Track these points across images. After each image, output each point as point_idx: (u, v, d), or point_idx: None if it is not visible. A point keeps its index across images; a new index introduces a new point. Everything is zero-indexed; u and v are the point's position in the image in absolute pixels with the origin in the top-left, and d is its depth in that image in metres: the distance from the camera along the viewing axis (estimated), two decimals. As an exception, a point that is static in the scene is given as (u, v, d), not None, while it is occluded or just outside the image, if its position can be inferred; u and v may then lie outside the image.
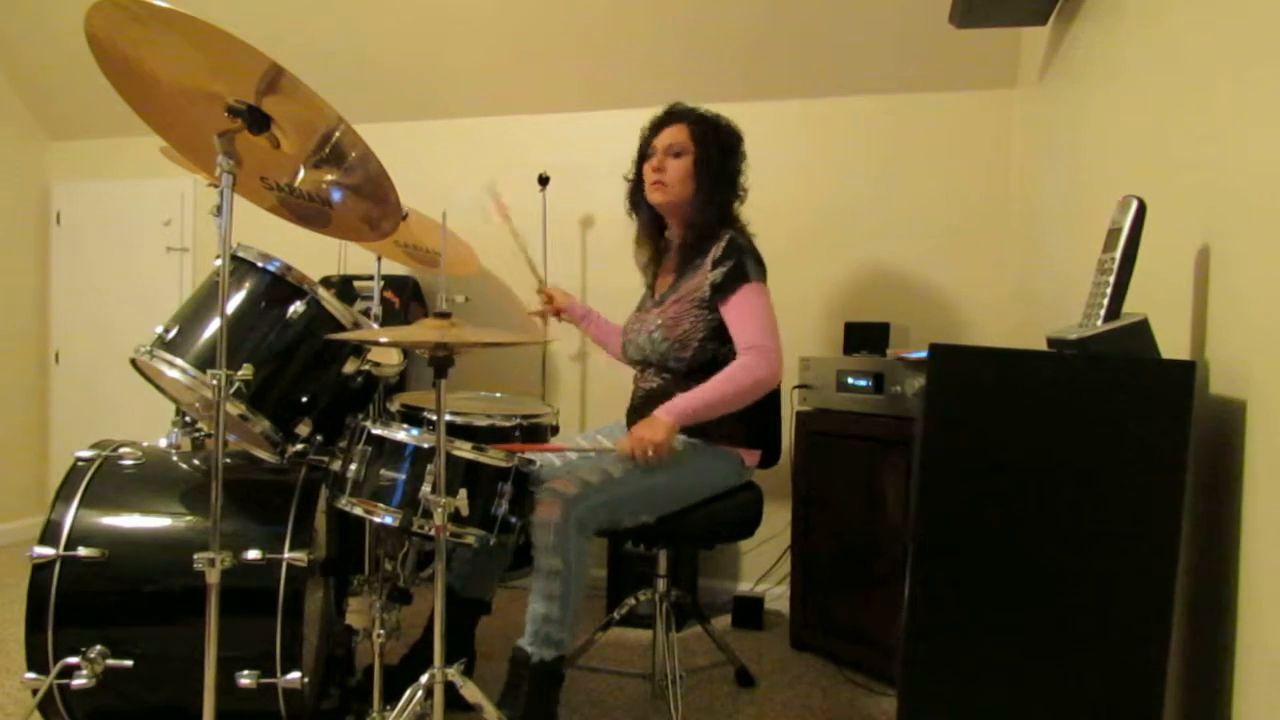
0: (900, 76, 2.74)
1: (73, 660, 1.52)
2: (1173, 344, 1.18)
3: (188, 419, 1.92)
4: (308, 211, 1.64)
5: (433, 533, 1.48)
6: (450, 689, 1.49)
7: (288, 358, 1.64)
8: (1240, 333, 0.99)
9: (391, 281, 2.95)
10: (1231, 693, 0.96)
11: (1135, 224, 1.04)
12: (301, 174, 1.52)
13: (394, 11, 2.90)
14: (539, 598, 1.65)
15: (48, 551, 1.55)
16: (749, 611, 2.66)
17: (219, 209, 1.37)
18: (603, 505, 1.68)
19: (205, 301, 1.66)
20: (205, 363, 1.57)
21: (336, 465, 1.64)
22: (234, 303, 1.62)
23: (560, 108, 3.08)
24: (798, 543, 2.41)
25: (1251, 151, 0.97)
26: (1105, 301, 1.05)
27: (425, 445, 1.59)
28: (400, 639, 1.77)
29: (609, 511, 1.70)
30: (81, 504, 1.61)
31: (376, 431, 1.61)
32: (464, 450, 1.60)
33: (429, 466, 1.56)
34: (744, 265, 1.80)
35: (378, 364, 1.78)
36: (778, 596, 2.77)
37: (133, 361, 1.67)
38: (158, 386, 1.77)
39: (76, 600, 1.55)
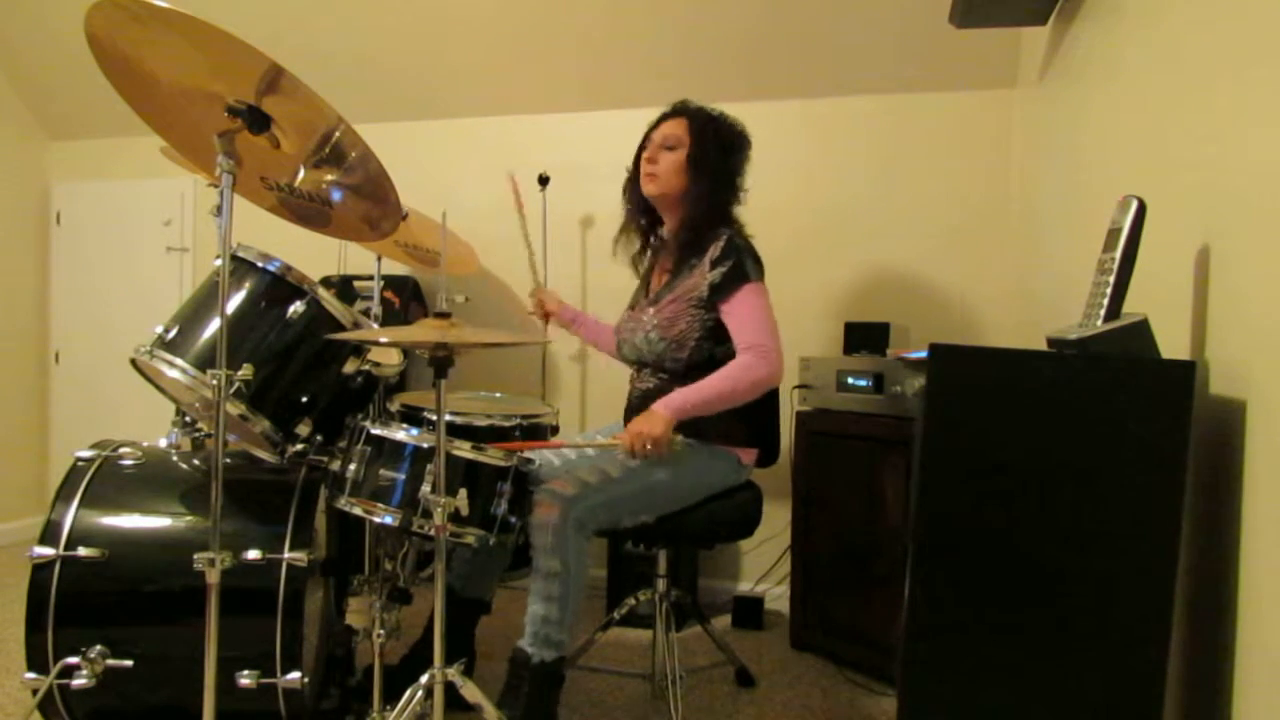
0: (900, 76, 2.74)
1: (73, 660, 1.52)
2: (1173, 344, 1.18)
3: (188, 419, 1.92)
4: (308, 211, 1.64)
5: (432, 533, 1.48)
6: (450, 689, 1.49)
7: (288, 358, 1.64)
8: (1240, 333, 0.99)
9: (391, 281, 2.95)
10: (1231, 693, 0.96)
11: (1135, 224, 1.04)
12: (301, 174, 1.52)
13: (394, 11, 2.90)
14: (538, 599, 1.65)
15: (48, 551, 1.56)
16: (749, 611, 2.66)
17: (219, 209, 1.37)
18: (601, 505, 1.68)
19: (205, 301, 1.66)
20: (205, 363, 1.56)
21: (336, 465, 1.64)
22: (234, 303, 1.62)
23: (560, 108, 3.08)
24: (798, 543, 2.41)
25: (1251, 151, 0.97)
26: (1105, 301, 1.05)
27: (425, 445, 1.59)
28: (400, 639, 1.77)
29: (608, 511, 1.70)
30: (81, 504, 1.61)
31: (376, 431, 1.61)
32: (464, 450, 1.60)
33: (429, 466, 1.56)
34: (743, 265, 1.80)
35: (378, 364, 1.78)
36: (778, 596, 2.77)
37: (133, 361, 1.67)
38: (158, 386, 1.77)
39: (76, 600, 1.55)
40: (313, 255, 2.77)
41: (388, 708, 1.56)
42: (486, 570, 2.02)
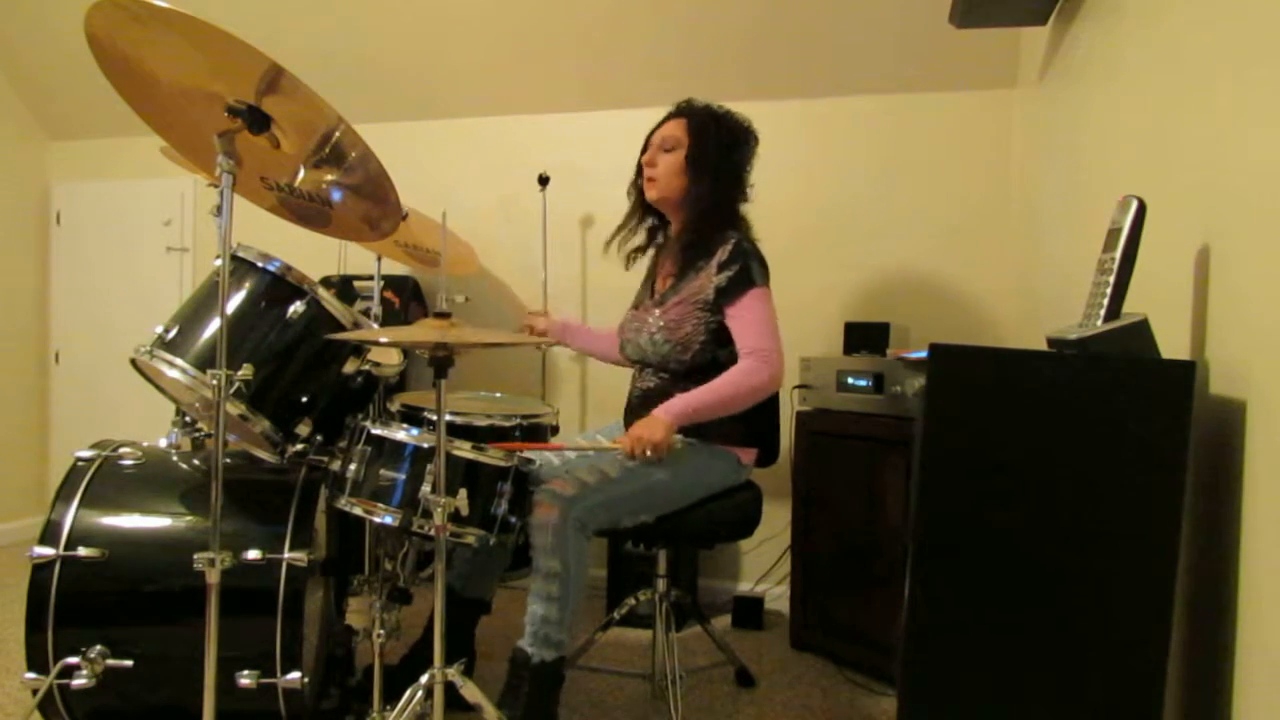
0: (900, 76, 2.74)
1: (73, 660, 1.52)
2: (1173, 344, 1.18)
3: (188, 419, 1.92)
4: (308, 211, 1.64)
5: (433, 533, 1.48)
6: (450, 689, 1.49)
7: (288, 358, 1.64)
8: (1240, 333, 0.99)
9: (391, 281, 2.95)
10: (1231, 693, 0.96)
11: (1135, 224, 1.04)
12: (301, 174, 1.52)
13: (394, 11, 2.90)
14: (538, 599, 1.64)
15: (48, 551, 1.56)
16: (749, 611, 2.66)
17: (219, 209, 1.37)
18: (601, 505, 1.68)
19: (205, 301, 1.66)
20: (205, 363, 1.56)
21: (336, 465, 1.64)
22: (234, 303, 1.62)
23: (560, 108, 3.08)
24: (798, 543, 2.41)
25: (1251, 151, 0.97)
26: (1105, 301, 1.05)
27: (425, 445, 1.59)
28: (400, 639, 1.77)
29: (607, 512, 1.70)
30: (81, 504, 1.61)
31: (376, 431, 1.61)
32: (464, 450, 1.60)
33: (429, 466, 1.56)
34: (750, 270, 1.79)
35: (378, 364, 1.78)
36: (778, 596, 2.77)
37: (133, 361, 1.67)
38: (158, 386, 1.77)
39: (76, 600, 1.55)
40: (313, 255, 2.77)
41: (388, 708, 1.56)
42: (486, 570, 2.02)
